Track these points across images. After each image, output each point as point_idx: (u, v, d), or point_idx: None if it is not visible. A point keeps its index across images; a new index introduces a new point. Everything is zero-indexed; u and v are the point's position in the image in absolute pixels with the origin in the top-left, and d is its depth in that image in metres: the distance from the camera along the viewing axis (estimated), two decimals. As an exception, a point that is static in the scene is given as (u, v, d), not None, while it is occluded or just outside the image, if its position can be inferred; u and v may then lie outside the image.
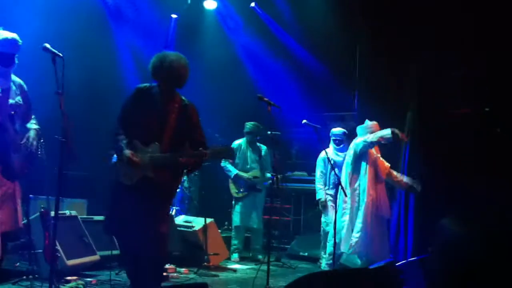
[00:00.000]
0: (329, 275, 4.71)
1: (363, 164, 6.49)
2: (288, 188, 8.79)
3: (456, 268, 1.28)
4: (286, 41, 9.48)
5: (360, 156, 6.48)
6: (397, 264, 5.12)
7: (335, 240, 6.00)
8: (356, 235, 6.28)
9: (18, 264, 5.27)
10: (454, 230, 1.30)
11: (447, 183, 6.75)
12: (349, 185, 6.47)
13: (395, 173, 6.67)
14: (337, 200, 6.52)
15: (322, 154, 7.13)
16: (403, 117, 7.72)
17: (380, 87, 7.99)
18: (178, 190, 7.69)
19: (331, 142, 7.26)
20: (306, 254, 7.90)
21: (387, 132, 6.31)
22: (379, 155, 6.60)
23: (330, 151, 7.16)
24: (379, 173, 6.52)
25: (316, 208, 8.65)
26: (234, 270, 6.68)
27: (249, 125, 7.55)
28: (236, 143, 7.66)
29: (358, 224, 6.32)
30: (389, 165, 6.68)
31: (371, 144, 6.42)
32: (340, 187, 6.25)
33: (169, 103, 4.31)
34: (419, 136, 7.51)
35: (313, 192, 8.55)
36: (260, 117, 7.15)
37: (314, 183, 8.06)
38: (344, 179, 6.57)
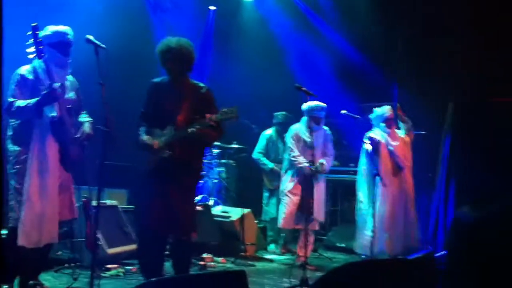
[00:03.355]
0: (366, 264, 4.68)
1: (376, 160, 6.42)
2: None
3: (473, 254, 1.26)
4: (324, 30, 9.40)
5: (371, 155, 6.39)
6: (435, 255, 5.07)
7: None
8: (368, 233, 6.18)
9: (60, 252, 5.40)
10: (471, 215, 1.28)
11: (489, 177, 6.61)
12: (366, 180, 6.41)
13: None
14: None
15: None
16: (443, 109, 7.60)
17: (420, 78, 7.88)
18: (215, 180, 7.83)
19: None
20: (343, 245, 7.86)
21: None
22: (396, 143, 6.50)
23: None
24: (399, 161, 6.43)
25: (353, 198, 8.63)
26: (271, 260, 6.71)
27: (279, 115, 7.53)
28: (267, 133, 7.63)
29: (371, 223, 6.22)
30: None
31: (372, 155, 6.34)
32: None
33: (182, 88, 4.42)
34: (460, 128, 7.37)
35: (349, 183, 8.52)
36: (299, 108, 7.12)
37: (349, 174, 8.03)
38: (360, 173, 6.54)
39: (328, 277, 4.22)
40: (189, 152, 4.36)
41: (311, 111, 6.31)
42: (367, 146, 6.38)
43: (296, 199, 6.29)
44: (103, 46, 3.87)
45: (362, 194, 6.45)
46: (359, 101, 8.72)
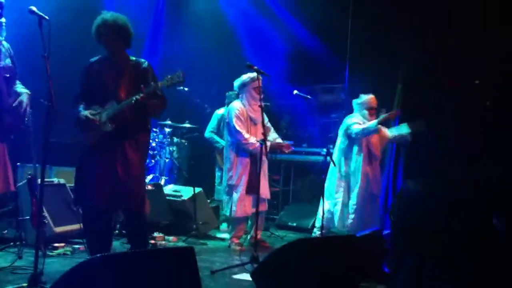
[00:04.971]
0: (314, 241, 4.77)
1: (356, 144, 6.50)
2: (277, 159, 8.79)
3: (406, 224, 1.30)
4: (277, 11, 9.38)
5: (350, 138, 6.47)
6: (383, 233, 5.18)
7: (323, 211, 6.07)
8: (351, 216, 6.34)
9: (6, 231, 5.26)
10: (413, 190, 1.31)
11: (434, 154, 6.79)
12: (344, 163, 6.47)
13: (385, 131, 6.66)
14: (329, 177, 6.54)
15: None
16: (393, 90, 7.73)
17: (371, 59, 7.97)
18: (167, 159, 7.76)
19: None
20: (294, 224, 7.95)
21: (373, 125, 6.27)
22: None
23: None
24: (373, 151, 6.52)
25: (305, 178, 8.73)
26: (223, 239, 6.72)
27: (232, 95, 7.43)
28: (219, 112, 7.58)
29: (353, 205, 6.37)
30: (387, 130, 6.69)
31: (362, 136, 6.37)
32: (331, 160, 6.30)
33: (121, 65, 4.34)
34: (408, 108, 7.52)
35: (302, 163, 8.61)
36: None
37: (302, 154, 8.11)
38: (337, 157, 6.57)
39: (278, 253, 4.28)
40: (134, 125, 4.29)
41: (253, 82, 5.97)
42: (356, 127, 6.35)
43: (244, 183, 6.09)
44: (47, 17, 3.73)
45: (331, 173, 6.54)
46: (310, 82, 8.80)
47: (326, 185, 6.42)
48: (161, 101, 4.30)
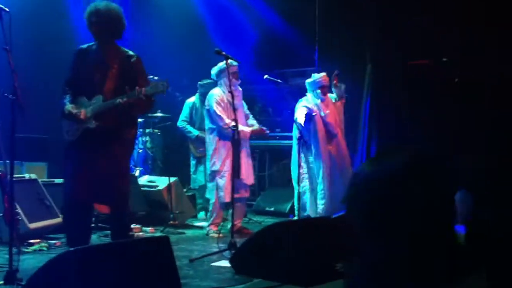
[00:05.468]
0: (290, 224, 4.81)
1: (310, 128, 6.48)
2: (251, 145, 8.78)
3: (364, 209, 1.29)
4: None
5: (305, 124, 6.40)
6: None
7: (299, 196, 6.12)
8: (321, 202, 6.37)
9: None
10: (366, 171, 1.30)
11: (406, 134, 6.87)
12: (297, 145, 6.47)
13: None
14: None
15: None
16: (363, 70, 7.78)
17: (340, 40, 8.00)
18: (141, 150, 7.70)
19: None
20: (272, 209, 7.97)
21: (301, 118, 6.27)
22: (328, 111, 6.58)
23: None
24: (331, 129, 6.54)
25: (280, 163, 8.75)
26: (201, 228, 6.71)
27: (205, 84, 7.34)
28: (190, 101, 7.53)
29: (321, 191, 6.40)
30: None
31: (301, 126, 6.28)
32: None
33: (110, 56, 4.29)
34: (377, 87, 7.59)
35: (277, 148, 8.62)
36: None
37: (276, 139, 8.13)
38: (293, 145, 6.57)
39: (255, 238, 4.30)
40: (118, 121, 4.25)
41: (232, 68, 5.86)
42: (300, 118, 6.28)
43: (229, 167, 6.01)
44: (7, 9, 3.65)
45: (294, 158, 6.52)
46: (281, 67, 8.80)
47: (292, 174, 6.51)
48: (146, 102, 4.22)
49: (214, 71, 6.25)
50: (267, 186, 8.93)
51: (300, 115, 6.32)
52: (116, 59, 4.29)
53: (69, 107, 4.21)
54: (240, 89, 6.28)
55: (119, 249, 2.94)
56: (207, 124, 6.32)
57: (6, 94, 3.60)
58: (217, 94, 6.16)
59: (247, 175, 6.18)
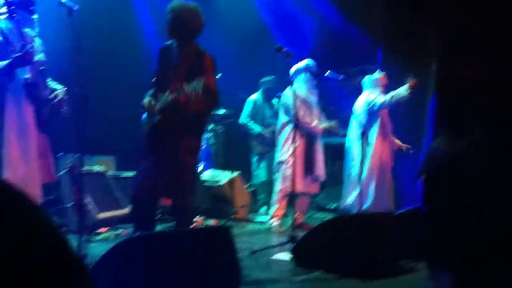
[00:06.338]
0: (353, 218, 4.74)
1: (373, 121, 6.47)
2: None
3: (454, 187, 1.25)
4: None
5: (372, 113, 6.42)
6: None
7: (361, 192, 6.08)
8: (370, 199, 6.36)
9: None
10: (446, 150, 1.27)
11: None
12: (360, 140, 6.41)
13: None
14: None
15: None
16: (428, 70, 7.56)
17: (405, 39, 7.83)
18: (204, 146, 7.83)
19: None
20: (334, 206, 7.92)
21: (404, 91, 6.21)
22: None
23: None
24: (386, 129, 6.51)
25: (342, 161, 8.67)
26: (262, 222, 6.76)
27: (268, 80, 7.43)
28: (252, 98, 7.60)
29: (370, 183, 6.40)
30: None
31: (387, 106, 6.35)
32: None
33: (183, 53, 4.36)
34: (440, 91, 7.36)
35: (339, 145, 8.54)
36: (283, 71, 7.08)
37: (339, 137, 8.06)
38: (355, 134, 6.53)
39: (316, 230, 4.29)
40: (180, 117, 4.28)
41: (310, 68, 6.25)
42: (380, 98, 6.35)
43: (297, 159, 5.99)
44: (76, 7, 3.78)
45: (354, 154, 6.50)
46: (343, 65, 8.70)
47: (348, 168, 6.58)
48: (202, 99, 4.13)
49: (292, 69, 6.36)
50: (329, 183, 8.87)
51: (380, 98, 6.38)
52: (188, 57, 4.34)
53: (145, 100, 4.35)
54: (316, 88, 6.43)
55: (182, 236, 3.01)
56: (281, 118, 6.46)
57: (76, 90, 3.74)
58: (294, 90, 6.20)
59: (320, 170, 6.26)
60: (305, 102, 6.27)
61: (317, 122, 6.19)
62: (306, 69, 6.24)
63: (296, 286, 3.84)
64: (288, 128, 6.31)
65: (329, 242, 4.04)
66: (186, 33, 4.34)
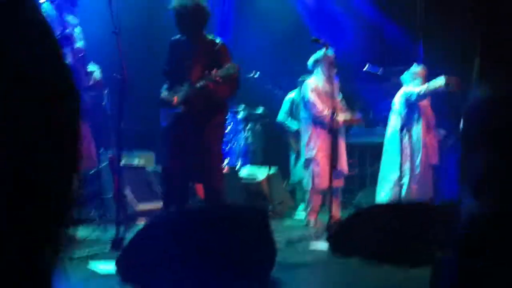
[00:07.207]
0: (390, 206, 4.69)
1: (415, 113, 6.35)
2: (352, 143, 8.66)
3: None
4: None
5: (411, 106, 6.32)
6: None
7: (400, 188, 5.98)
8: (413, 185, 6.23)
9: (92, 213, 5.54)
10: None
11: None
12: (399, 135, 6.32)
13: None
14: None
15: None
16: (471, 66, 7.42)
17: (446, 35, 7.72)
18: (242, 144, 7.87)
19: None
20: (372, 205, 7.82)
21: (440, 81, 6.07)
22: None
23: None
24: (430, 121, 6.37)
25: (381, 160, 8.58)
26: (300, 220, 6.73)
27: (303, 79, 7.39)
28: (289, 97, 7.61)
29: (415, 175, 6.25)
30: None
31: (424, 96, 6.21)
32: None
33: (197, 44, 4.46)
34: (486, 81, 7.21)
35: (377, 145, 8.46)
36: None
37: (378, 136, 7.98)
38: (393, 128, 6.45)
39: (354, 216, 4.27)
40: (205, 105, 4.39)
41: (328, 57, 5.89)
42: (417, 89, 6.22)
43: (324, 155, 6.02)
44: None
45: (393, 149, 6.43)
46: (383, 64, 8.62)
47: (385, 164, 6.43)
48: (227, 85, 4.32)
49: (310, 61, 6.27)
50: (368, 184, 8.79)
51: (417, 88, 6.24)
52: (204, 47, 4.45)
53: (164, 94, 4.48)
54: (337, 79, 6.19)
55: (217, 212, 3.04)
56: (302, 113, 6.37)
57: (114, 74, 3.84)
58: (312, 82, 6.19)
59: (343, 164, 6.17)
60: (322, 94, 6.04)
61: (337, 115, 5.78)
62: (324, 59, 5.91)
63: (332, 272, 3.82)
64: (309, 124, 6.18)
65: (366, 229, 4.00)
66: (196, 25, 4.43)
